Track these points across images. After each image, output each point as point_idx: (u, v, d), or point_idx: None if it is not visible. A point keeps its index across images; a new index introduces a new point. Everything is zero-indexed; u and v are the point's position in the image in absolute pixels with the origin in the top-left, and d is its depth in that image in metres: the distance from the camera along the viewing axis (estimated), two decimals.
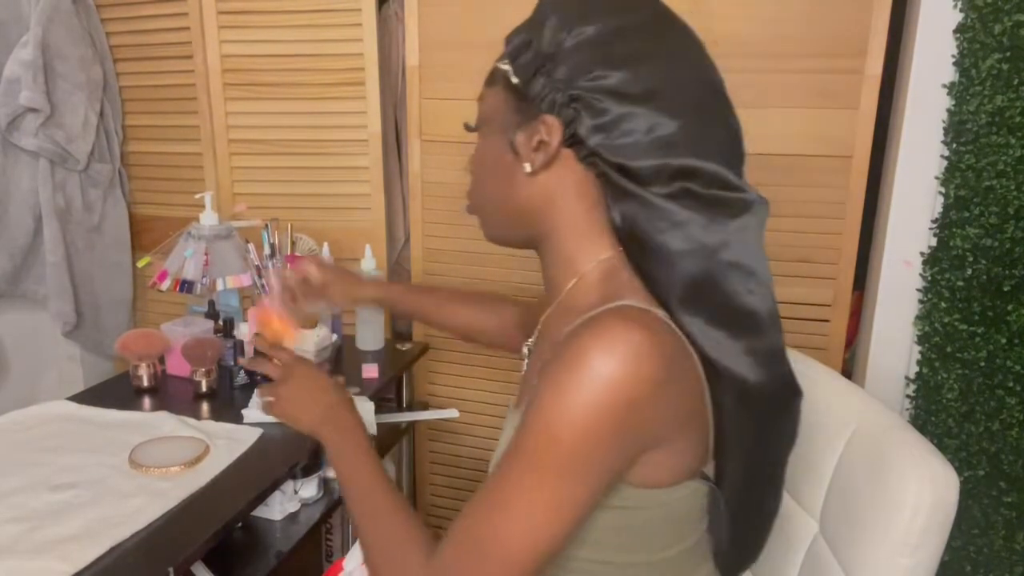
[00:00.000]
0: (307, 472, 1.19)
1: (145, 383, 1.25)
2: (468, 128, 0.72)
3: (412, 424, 1.61)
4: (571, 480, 0.55)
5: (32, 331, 1.79)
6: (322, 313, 1.40)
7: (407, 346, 1.59)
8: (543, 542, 0.55)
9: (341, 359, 1.48)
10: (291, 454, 1.04)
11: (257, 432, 1.08)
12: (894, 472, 0.67)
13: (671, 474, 0.62)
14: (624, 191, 0.60)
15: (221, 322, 1.37)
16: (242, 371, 1.28)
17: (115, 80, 1.79)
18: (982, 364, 1.30)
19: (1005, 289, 1.26)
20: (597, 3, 0.62)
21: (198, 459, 0.99)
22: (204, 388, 1.24)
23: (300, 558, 1.13)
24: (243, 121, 1.70)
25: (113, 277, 1.84)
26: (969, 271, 1.28)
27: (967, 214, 1.27)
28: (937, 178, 1.30)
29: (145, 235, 1.87)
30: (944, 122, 1.28)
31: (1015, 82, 1.20)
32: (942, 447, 1.34)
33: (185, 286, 1.30)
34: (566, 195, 0.64)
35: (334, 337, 1.45)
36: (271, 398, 0.89)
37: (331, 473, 1.24)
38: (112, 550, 0.79)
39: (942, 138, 1.28)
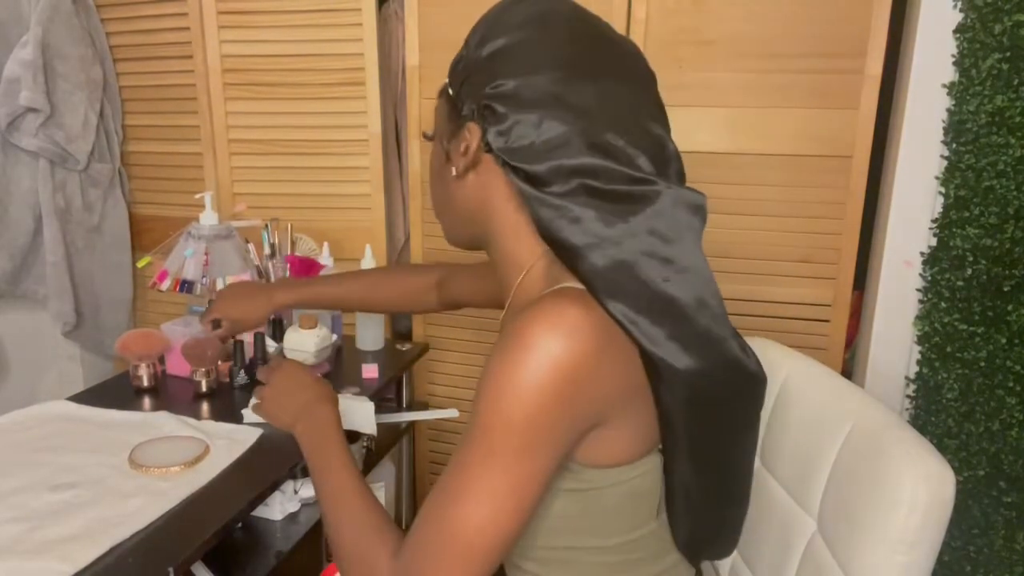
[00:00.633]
0: (307, 472, 1.18)
1: (145, 383, 1.25)
2: (426, 137, 0.76)
3: (412, 424, 1.61)
4: (528, 458, 0.56)
5: (32, 331, 1.79)
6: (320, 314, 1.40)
7: (407, 346, 1.59)
8: (504, 525, 0.56)
9: (341, 359, 1.48)
10: (291, 454, 1.03)
11: (257, 432, 1.08)
12: (891, 470, 0.68)
13: (626, 451, 0.63)
14: (528, 193, 0.63)
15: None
16: (242, 371, 1.28)
17: (115, 80, 1.79)
18: (982, 364, 1.30)
19: (1005, 289, 1.26)
20: (517, 18, 0.64)
21: (198, 459, 0.98)
22: (204, 388, 1.24)
23: (300, 558, 1.13)
24: (243, 121, 1.70)
25: (113, 277, 1.84)
26: (969, 271, 1.28)
27: (967, 214, 1.27)
28: (937, 178, 1.30)
29: (145, 235, 1.87)
30: (944, 122, 1.28)
31: (1015, 82, 1.20)
32: (942, 447, 1.34)
33: (185, 286, 1.29)
34: (495, 198, 0.67)
35: (334, 337, 1.44)
36: (258, 399, 0.93)
37: None
38: (112, 550, 0.79)
39: (942, 138, 1.28)
